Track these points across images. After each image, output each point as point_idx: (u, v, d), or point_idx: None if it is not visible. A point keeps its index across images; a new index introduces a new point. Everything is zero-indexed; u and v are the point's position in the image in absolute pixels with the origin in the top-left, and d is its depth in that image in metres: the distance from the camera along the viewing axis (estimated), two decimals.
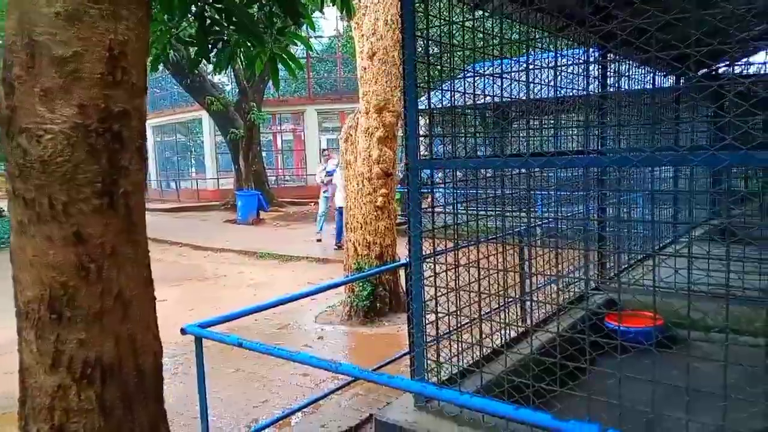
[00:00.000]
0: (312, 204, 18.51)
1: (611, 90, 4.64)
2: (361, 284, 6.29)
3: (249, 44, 3.55)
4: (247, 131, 18.24)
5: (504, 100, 3.26)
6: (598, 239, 4.89)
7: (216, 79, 22.04)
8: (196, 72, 17.42)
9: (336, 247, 11.27)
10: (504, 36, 3.26)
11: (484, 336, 3.27)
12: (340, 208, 10.28)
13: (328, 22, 30.54)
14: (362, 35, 6.26)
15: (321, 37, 28.83)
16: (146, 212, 2.20)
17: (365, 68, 6.29)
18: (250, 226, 16.13)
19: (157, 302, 2.26)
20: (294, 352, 2.35)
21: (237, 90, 19.46)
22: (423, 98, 2.92)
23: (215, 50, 3.41)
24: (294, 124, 26.58)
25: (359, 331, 6.22)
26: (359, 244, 6.56)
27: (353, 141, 6.59)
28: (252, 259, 11.34)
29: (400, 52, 3.92)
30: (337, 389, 4.11)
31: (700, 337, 3.80)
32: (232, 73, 18.73)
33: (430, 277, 2.99)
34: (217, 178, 24.37)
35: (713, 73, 5.82)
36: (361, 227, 6.54)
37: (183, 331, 2.76)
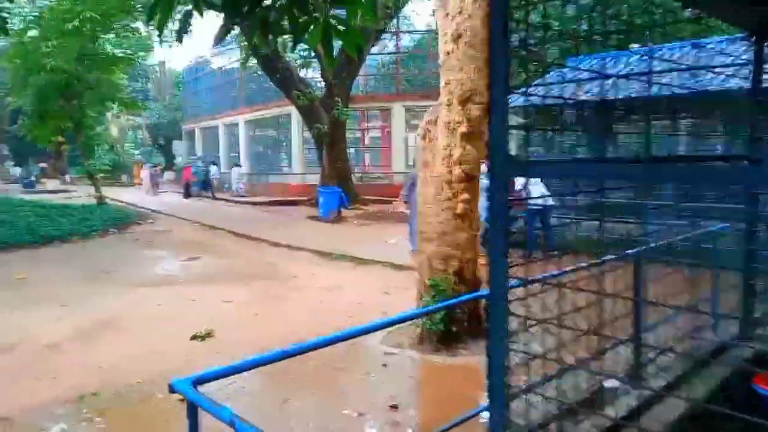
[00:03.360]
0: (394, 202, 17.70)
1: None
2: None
3: (294, 12, 2.83)
4: (330, 127, 17.82)
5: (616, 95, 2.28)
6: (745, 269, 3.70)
7: (309, 75, 21.85)
8: (284, 66, 17.22)
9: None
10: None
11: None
12: None
13: (420, 17, 29.63)
14: (446, 14, 5.35)
15: (413, 32, 28.05)
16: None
17: (449, 53, 5.38)
18: (331, 224, 15.73)
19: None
20: None
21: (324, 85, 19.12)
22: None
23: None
24: (383, 121, 25.98)
25: (431, 359, 5.33)
26: (435, 258, 5.68)
27: (432, 138, 5.71)
28: (326, 260, 10.77)
29: None
30: None
31: None
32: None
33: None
34: (304, 173, 24.27)
35: None
36: (438, 238, 5.65)
37: (171, 389, 2.06)
